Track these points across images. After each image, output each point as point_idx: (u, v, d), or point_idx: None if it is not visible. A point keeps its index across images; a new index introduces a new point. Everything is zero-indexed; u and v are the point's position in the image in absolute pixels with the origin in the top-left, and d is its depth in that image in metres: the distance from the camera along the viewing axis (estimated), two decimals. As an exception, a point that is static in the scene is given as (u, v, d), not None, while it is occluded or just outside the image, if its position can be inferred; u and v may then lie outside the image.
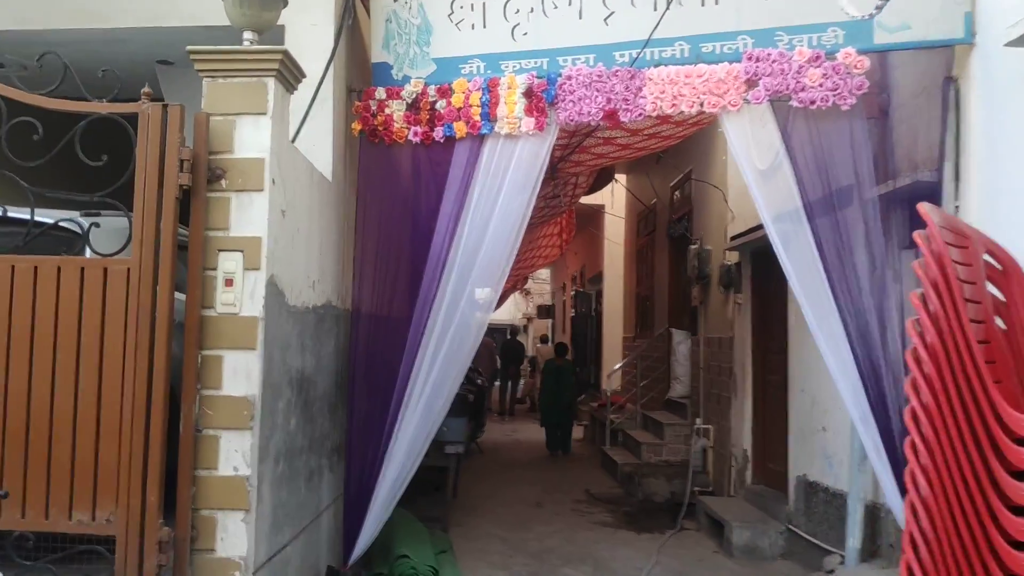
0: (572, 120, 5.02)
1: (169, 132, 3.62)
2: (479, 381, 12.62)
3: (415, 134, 5.29)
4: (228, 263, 3.76)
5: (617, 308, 15.89)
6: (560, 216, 13.27)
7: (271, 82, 3.84)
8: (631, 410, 12.02)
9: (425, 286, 5.19)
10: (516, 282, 22.88)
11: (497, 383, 19.20)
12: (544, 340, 20.61)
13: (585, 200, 13.98)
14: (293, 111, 4.97)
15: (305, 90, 4.96)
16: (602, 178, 11.97)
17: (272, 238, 3.84)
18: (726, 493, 8.35)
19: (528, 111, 5.05)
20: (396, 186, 5.41)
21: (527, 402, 20.37)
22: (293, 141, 4.88)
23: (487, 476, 10.38)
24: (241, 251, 3.77)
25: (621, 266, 15.59)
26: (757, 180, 4.95)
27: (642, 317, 13.53)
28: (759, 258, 7.94)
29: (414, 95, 5.30)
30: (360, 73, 5.60)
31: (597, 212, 16.42)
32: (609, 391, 12.06)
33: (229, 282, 3.75)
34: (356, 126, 5.41)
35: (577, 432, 14.83)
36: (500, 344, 19.69)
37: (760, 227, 7.36)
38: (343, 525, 5.27)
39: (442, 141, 5.24)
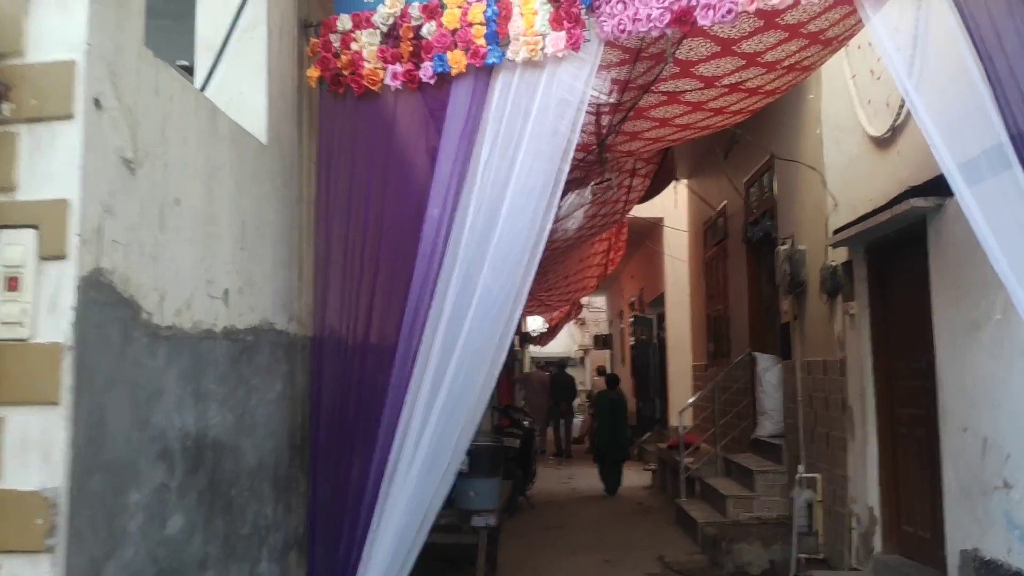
0: (623, 32, 3.29)
1: None
2: (526, 423, 10.80)
3: (394, 76, 3.63)
4: (11, 250, 2.08)
5: (683, 333, 13.99)
6: (612, 227, 11.53)
7: (88, -72, 2.19)
8: (708, 452, 10.06)
9: (414, 295, 3.50)
10: (569, 310, 21.16)
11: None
12: (601, 372, 18.73)
13: (640, 213, 12.24)
14: (209, 48, 3.41)
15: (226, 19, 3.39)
16: (660, 179, 10.21)
17: (97, 203, 2.17)
18: (846, 565, 6.37)
19: (555, 22, 3.34)
20: (370, 153, 3.72)
21: (585, 442, 18.44)
22: (204, 88, 3.28)
23: (537, 540, 8.53)
24: (34, 227, 2.09)
25: (686, 285, 13.70)
26: (929, 106, 3.08)
27: (715, 341, 11.59)
28: (879, 252, 6.04)
29: (391, 19, 3.64)
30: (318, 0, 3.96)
31: (655, 226, 14.62)
32: (681, 429, 10.08)
33: (12, 282, 2.07)
34: (313, 72, 3.77)
35: (644, 478, 12.91)
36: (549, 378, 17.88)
37: (879, 211, 5.53)
38: (308, 654, 3.54)
39: (432, 82, 3.56)
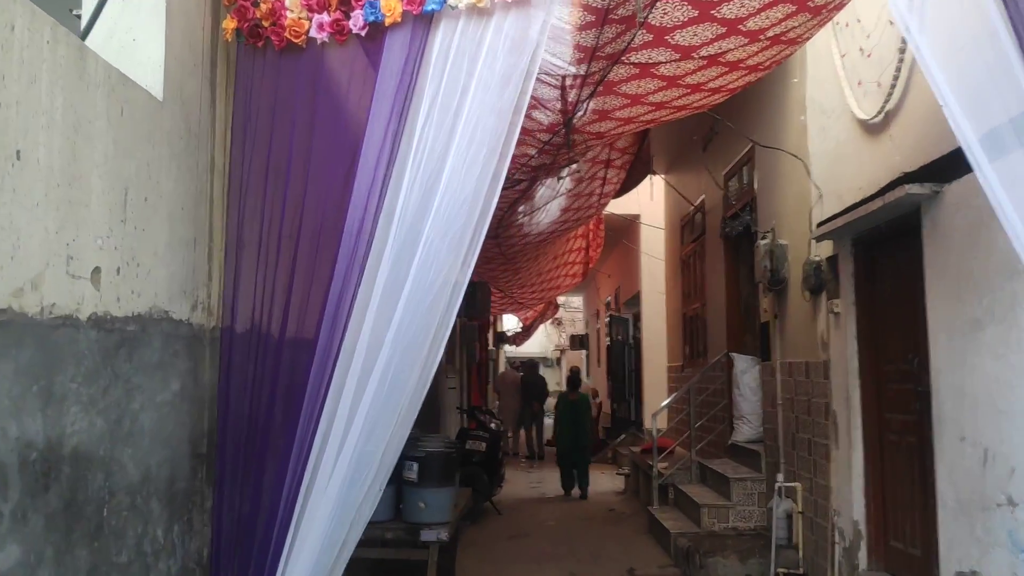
0: (583, -26, 2.81)
1: None
2: (493, 425, 10.31)
3: (320, 26, 3.13)
4: None
5: (659, 333, 13.57)
6: (588, 221, 11.09)
7: None
8: (683, 457, 9.60)
9: (339, 281, 3.00)
10: (544, 309, 20.68)
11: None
12: (574, 372, 18.26)
13: (616, 210, 11.80)
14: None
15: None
16: (636, 171, 9.75)
17: None
18: (828, 581, 5.94)
19: (504, -38, 2.85)
20: (292, 116, 3.21)
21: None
22: (86, 36, 2.76)
23: (501, 550, 8.04)
24: None
25: (662, 283, 13.27)
26: (946, 71, 2.60)
27: (691, 341, 11.16)
28: (867, 246, 5.60)
29: (317, -39, 3.14)
30: (237, -59, 3.44)
31: (631, 223, 14.20)
32: (655, 432, 9.58)
33: None
34: (229, 23, 3.27)
35: (617, 482, 12.47)
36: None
37: (869, 200, 5.08)
38: None
39: (363, 33, 3.06)
